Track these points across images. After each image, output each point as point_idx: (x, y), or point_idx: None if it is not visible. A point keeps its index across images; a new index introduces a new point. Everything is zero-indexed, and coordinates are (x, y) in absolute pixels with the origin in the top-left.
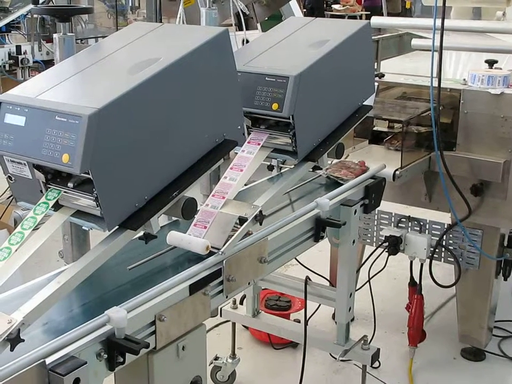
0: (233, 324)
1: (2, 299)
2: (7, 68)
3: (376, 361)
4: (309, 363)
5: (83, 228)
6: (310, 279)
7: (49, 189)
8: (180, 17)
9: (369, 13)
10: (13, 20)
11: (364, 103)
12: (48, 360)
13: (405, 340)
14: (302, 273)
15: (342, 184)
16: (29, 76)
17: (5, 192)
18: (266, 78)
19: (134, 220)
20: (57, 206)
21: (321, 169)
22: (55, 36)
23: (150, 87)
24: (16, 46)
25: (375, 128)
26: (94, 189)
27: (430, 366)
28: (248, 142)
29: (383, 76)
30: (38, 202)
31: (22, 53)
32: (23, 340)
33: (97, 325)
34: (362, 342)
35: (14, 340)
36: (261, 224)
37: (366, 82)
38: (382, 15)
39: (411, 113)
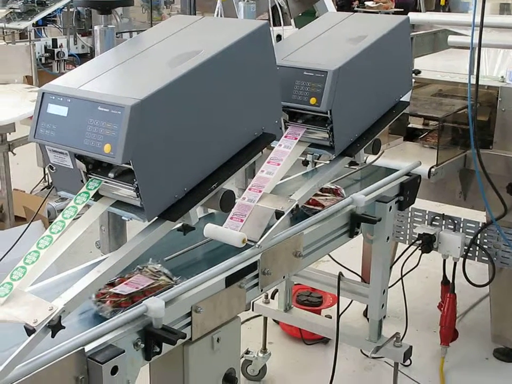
0: (265, 318)
1: (41, 287)
2: (43, 61)
3: (408, 359)
4: (340, 359)
5: (122, 218)
6: (343, 275)
7: (90, 179)
8: (218, 11)
9: (402, 10)
10: (49, 14)
11: (401, 99)
12: (87, 348)
13: (437, 338)
14: (333, 270)
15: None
16: (64, 69)
17: (38, 184)
18: (305, 73)
19: (173, 211)
20: (97, 196)
21: (357, 164)
22: (96, 27)
23: (191, 80)
24: (52, 39)
25: (409, 125)
26: (134, 180)
27: (462, 366)
28: (285, 136)
29: (419, 72)
30: (79, 192)
31: (58, 46)
32: (64, 327)
33: (135, 314)
34: (394, 339)
35: (55, 326)
36: (296, 219)
37: (404, 78)
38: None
39: (447, 110)
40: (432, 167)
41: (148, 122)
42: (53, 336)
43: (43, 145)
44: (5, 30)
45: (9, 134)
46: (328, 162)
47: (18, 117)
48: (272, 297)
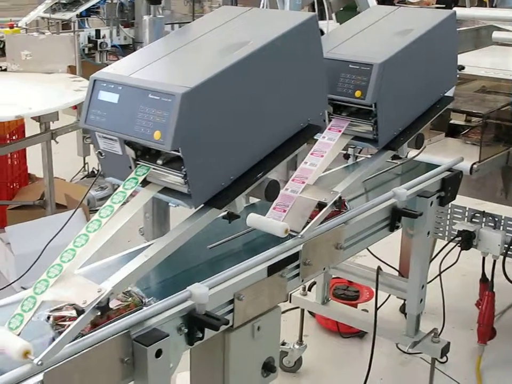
0: (302, 310)
1: (87, 271)
2: (86, 51)
3: (445, 355)
4: (375, 354)
5: (169, 204)
6: (381, 269)
7: (138, 165)
8: (263, 4)
9: (443, 5)
10: (93, 5)
11: (445, 94)
12: (133, 331)
13: (474, 336)
14: (371, 264)
15: None
16: (106, 60)
17: (78, 173)
18: (350, 65)
19: (219, 199)
20: (144, 183)
21: (400, 158)
22: (145, 17)
23: (240, 69)
24: (96, 30)
25: (451, 121)
26: (182, 167)
27: (499, 365)
28: (329, 129)
29: (463, 68)
30: (128, 178)
31: (101, 37)
32: (112, 309)
33: (179, 299)
34: (432, 334)
35: (103, 308)
36: (339, 210)
37: (449, 73)
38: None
39: (490, 107)
40: (474, 163)
41: (197, 110)
42: (101, 317)
43: (93, 131)
44: (50, 21)
45: (53, 122)
46: (369, 156)
47: (62, 105)
48: (309, 290)
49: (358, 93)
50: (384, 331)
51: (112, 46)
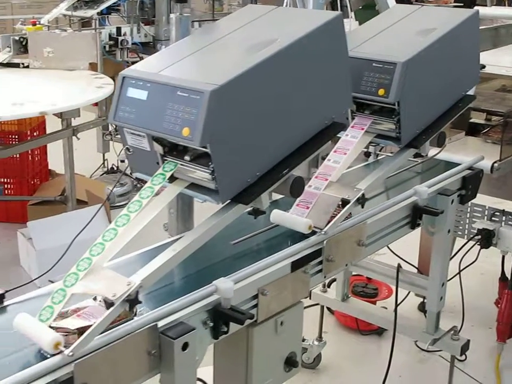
0: (322, 307)
1: (114, 265)
2: (107, 49)
3: (465, 353)
4: (394, 351)
5: (196, 200)
6: (401, 266)
7: (166, 161)
8: (287, 2)
9: (461, 4)
10: (114, 3)
11: (467, 93)
12: (160, 324)
13: (492, 335)
14: (389, 262)
15: None
16: (127, 57)
17: (97, 169)
18: (374, 64)
19: (246, 195)
20: (171, 178)
21: (422, 156)
22: (172, 15)
23: (267, 67)
24: (117, 27)
25: (471, 120)
26: (210, 163)
27: None
28: (352, 127)
29: (483, 67)
30: (155, 174)
31: (122, 34)
32: (141, 302)
33: (205, 294)
34: (452, 332)
35: (133, 301)
36: (362, 207)
37: (471, 72)
38: (473, 6)
39: (511, 105)
40: (495, 162)
41: (225, 107)
42: (130, 309)
43: (121, 127)
44: (71, 18)
45: (74, 119)
46: (390, 154)
47: (85, 102)
48: (328, 287)
49: (381, 91)
50: (403, 328)
51: (132, 44)
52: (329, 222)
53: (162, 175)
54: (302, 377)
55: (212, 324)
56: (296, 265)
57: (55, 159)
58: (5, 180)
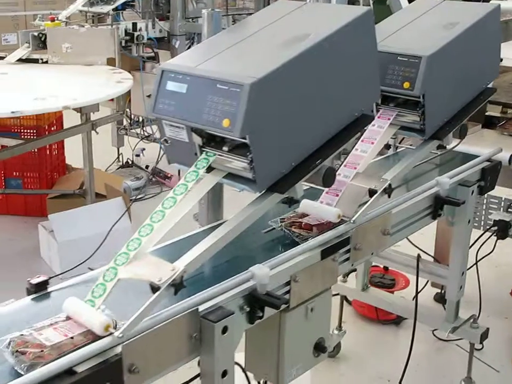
0: (342, 297)
1: (157, 250)
2: (122, 44)
3: (484, 341)
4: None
5: (234, 189)
6: (420, 257)
7: (205, 152)
8: None
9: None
10: None
11: (487, 86)
12: (200, 308)
13: (508, 325)
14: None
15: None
16: (142, 52)
17: (112, 164)
18: (399, 58)
19: (281, 184)
20: (208, 169)
21: (445, 148)
22: (203, 11)
23: (303, 61)
24: (133, 23)
25: (487, 113)
26: (248, 153)
27: None
28: (378, 117)
29: (501, 60)
30: (199, 159)
31: (138, 29)
32: (185, 286)
33: (242, 280)
34: (471, 320)
35: (178, 285)
36: (389, 197)
37: (492, 65)
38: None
39: None
40: None
41: (264, 99)
42: (175, 293)
43: (160, 119)
44: (88, 14)
45: (93, 113)
46: (410, 146)
47: (105, 96)
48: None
49: (406, 84)
50: (423, 316)
51: (147, 39)
52: (357, 211)
53: (206, 160)
54: (322, 365)
55: (248, 309)
56: (325, 253)
57: (71, 154)
58: (24, 174)
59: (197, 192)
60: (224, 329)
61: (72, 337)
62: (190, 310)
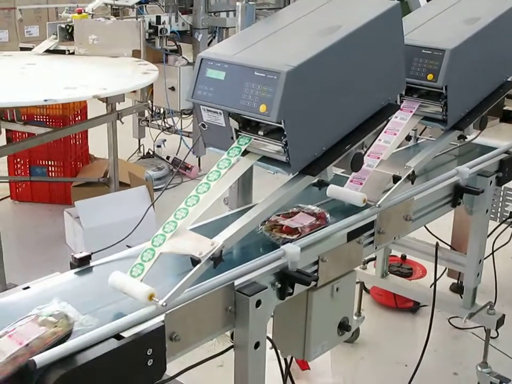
0: (361, 283)
1: (197, 228)
2: (146, 37)
3: (500, 327)
4: (427, 329)
5: (268, 171)
6: (438, 245)
7: (240, 136)
8: None
9: None
10: None
11: (508, 80)
12: (236, 283)
13: None
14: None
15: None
16: (166, 45)
17: (133, 154)
18: (423, 51)
19: (313, 167)
20: (243, 153)
21: (465, 138)
22: (238, 3)
23: (335, 51)
24: (156, 16)
25: (505, 108)
26: (283, 137)
27: None
28: (401, 109)
29: None
30: (231, 147)
31: (161, 23)
32: (224, 260)
33: (274, 257)
34: (488, 307)
35: (217, 259)
36: (412, 183)
37: None
38: None
39: None
40: None
41: (299, 86)
42: (214, 267)
43: (198, 105)
44: (113, 7)
45: (119, 103)
46: (430, 137)
47: (134, 87)
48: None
49: (430, 76)
50: (441, 303)
51: (171, 32)
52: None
53: (238, 148)
54: (342, 349)
55: (279, 286)
56: (351, 236)
57: (93, 145)
58: (49, 163)
59: (232, 174)
60: (258, 303)
61: (28, 345)
62: (227, 284)
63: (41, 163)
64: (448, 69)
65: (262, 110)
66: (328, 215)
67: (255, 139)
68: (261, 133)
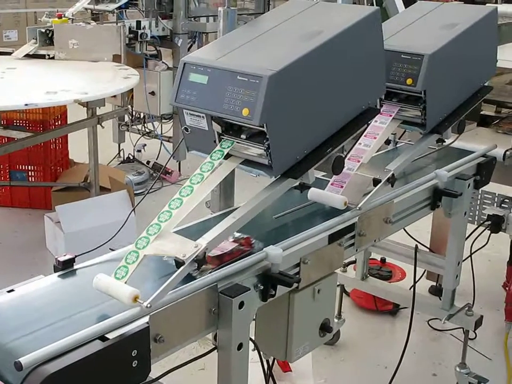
0: (342, 286)
1: (180, 230)
2: (127, 42)
3: (478, 328)
4: (407, 330)
5: (250, 174)
6: (418, 247)
7: (223, 140)
8: None
9: (462, 2)
10: None
11: (484, 84)
12: (219, 285)
13: (500, 316)
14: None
15: None
16: (146, 50)
17: (113, 159)
18: (402, 56)
19: (295, 170)
20: (226, 156)
21: (444, 142)
22: (220, 9)
23: (316, 55)
24: (137, 21)
25: (482, 112)
26: (265, 140)
27: None
28: (381, 113)
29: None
30: (214, 150)
31: (141, 28)
32: (207, 262)
33: (257, 259)
34: (466, 308)
35: (201, 260)
36: (392, 186)
37: (489, 64)
38: (478, 3)
39: None
40: (507, 150)
41: (281, 90)
42: (198, 268)
43: (181, 108)
44: (93, 12)
45: (99, 108)
46: (409, 142)
47: (114, 91)
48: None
49: (409, 81)
50: (421, 305)
51: (151, 37)
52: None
53: (221, 152)
54: (322, 352)
55: (261, 287)
56: (333, 238)
57: (73, 149)
58: (29, 167)
59: (215, 177)
60: (241, 304)
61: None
62: (210, 285)
63: (21, 168)
64: (427, 73)
65: (245, 114)
66: (253, 241)
67: (237, 142)
68: (243, 136)
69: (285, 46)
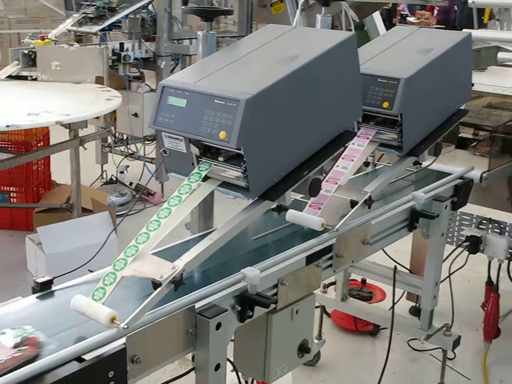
0: (322, 307)
1: (159, 252)
2: (110, 63)
3: (456, 347)
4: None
5: (228, 196)
6: (397, 268)
7: (201, 162)
8: (295, 23)
9: (443, 26)
10: (116, 19)
11: (460, 108)
12: (196, 305)
13: (479, 336)
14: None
15: None
16: (128, 71)
17: (96, 180)
18: (379, 79)
19: (272, 192)
20: (204, 178)
21: (420, 164)
22: (199, 33)
23: (293, 79)
24: (120, 43)
25: (460, 135)
26: (242, 163)
27: (504, 362)
28: (358, 136)
29: (472, 85)
30: (192, 173)
31: (125, 50)
32: (185, 283)
33: (234, 280)
34: (444, 328)
35: (178, 282)
36: (369, 208)
37: (464, 88)
38: (455, 29)
39: (497, 121)
40: (484, 172)
41: (258, 114)
42: (175, 290)
43: (159, 131)
44: (77, 34)
45: (81, 129)
46: (387, 164)
47: (97, 113)
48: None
49: (385, 104)
50: (400, 325)
51: (134, 59)
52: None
53: (198, 174)
54: (303, 373)
55: (239, 308)
56: (310, 259)
57: (56, 171)
58: (11, 189)
59: (193, 199)
60: (218, 325)
61: None
62: (187, 306)
63: (2, 189)
64: (403, 97)
65: (222, 137)
66: (41, 340)
67: (215, 165)
68: (221, 159)
69: (262, 70)
